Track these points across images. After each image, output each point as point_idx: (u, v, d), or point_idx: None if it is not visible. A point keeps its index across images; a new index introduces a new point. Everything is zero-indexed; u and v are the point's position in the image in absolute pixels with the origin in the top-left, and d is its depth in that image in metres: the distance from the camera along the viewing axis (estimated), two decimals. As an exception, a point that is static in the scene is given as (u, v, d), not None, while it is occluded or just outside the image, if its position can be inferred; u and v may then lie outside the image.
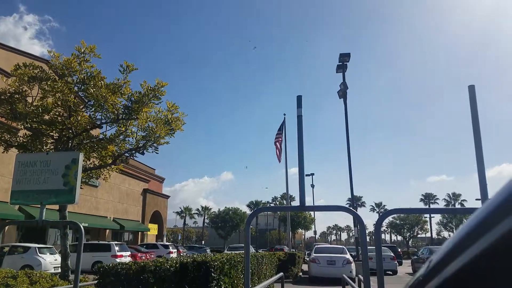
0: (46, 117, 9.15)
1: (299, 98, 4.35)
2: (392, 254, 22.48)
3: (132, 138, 10.37)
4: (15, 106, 8.76)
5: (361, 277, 6.95)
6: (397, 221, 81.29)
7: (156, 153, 10.66)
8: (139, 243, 35.37)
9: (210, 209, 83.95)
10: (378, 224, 3.62)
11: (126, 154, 10.81)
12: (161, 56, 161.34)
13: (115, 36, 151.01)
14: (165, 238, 45.64)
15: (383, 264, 4.67)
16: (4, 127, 9.49)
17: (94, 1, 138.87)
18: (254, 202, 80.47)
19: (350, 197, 17.74)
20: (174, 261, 6.14)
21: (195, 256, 7.00)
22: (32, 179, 6.20)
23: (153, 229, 42.53)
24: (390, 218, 78.14)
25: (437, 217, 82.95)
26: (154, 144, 10.34)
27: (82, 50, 8.84)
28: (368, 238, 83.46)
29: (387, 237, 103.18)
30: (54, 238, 27.12)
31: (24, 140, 9.68)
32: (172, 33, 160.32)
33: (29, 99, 9.13)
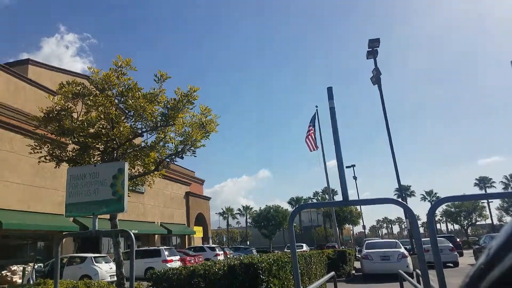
0: (91, 130, 9.58)
1: (329, 90, 4.21)
2: (450, 244, 21.27)
3: (171, 143, 10.64)
4: (62, 123, 9.23)
5: (419, 272, 6.67)
6: (452, 209, 77.10)
7: (194, 156, 10.89)
8: (186, 247, 36.19)
9: (251, 208, 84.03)
10: (430, 214, 3.41)
11: (167, 160, 11.09)
12: (191, 61, 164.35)
13: (148, 46, 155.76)
14: (210, 240, 46.37)
15: (442, 256, 4.40)
16: (55, 143, 10.03)
17: (125, 17, 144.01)
18: (295, 199, 79.68)
19: (397, 187, 17.11)
20: (222, 264, 6.20)
21: (241, 257, 7.04)
22: (83, 191, 6.50)
23: (198, 231, 43.37)
24: (444, 206, 74.45)
25: (496, 202, 77.39)
26: (192, 148, 10.56)
27: (119, 64, 9.19)
28: (422, 229, 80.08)
29: (443, 226, 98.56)
30: (107, 246, 28.40)
31: (73, 154, 10.19)
32: (198, 41, 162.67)
33: (75, 115, 9.59)
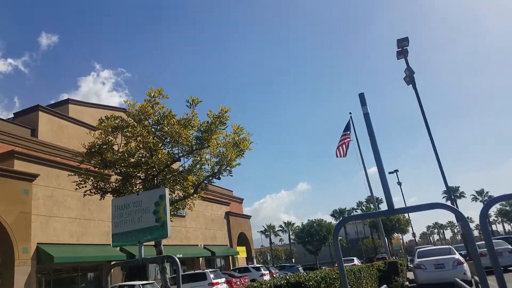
0: (132, 160, 9.96)
1: (361, 96, 4.16)
2: (509, 246, 19.83)
3: (208, 165, 10.85)
4: (104, 156, 9.68)
5: (477, 279, 6.25)
6: (508, 208, 72.20)
7: (231, 175, 11.02)
8: (231, 268, 36.01)
9: (293, 223, 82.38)
10: (483, 215, 3.18)
11: (205, 181, 11.28)
12: (222, 81, 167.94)
13: (179, 72, 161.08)
14: (255, 260, 45.84)
15: (501, 260, 4.09)
16: (98, 176, 10.48)
17: (156, 50, 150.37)
18: (337, 211, 77.64)
19: (445, 189, 16.31)
20: (268, 285, 6.10)
21: (288, 276, 6.91)
22: (128, 220, 6.68)
23: (241, 251, 43.10)
24: (498, 206, 69.96)
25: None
26: (228, 168, 10.70)
27: (152, 95, 9.59)
28: (476, 232, 75.16)
29: (499, 227, 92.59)
30: (154, 273, 28.87)
31: (116, 185, 10.60)
32: (228, 62, 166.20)
33: (115, 147, 10.02)
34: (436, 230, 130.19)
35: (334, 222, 76.17)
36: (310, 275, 6.83)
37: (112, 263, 20.52)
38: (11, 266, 17.45)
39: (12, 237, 17.54)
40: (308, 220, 77.36)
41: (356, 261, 39.09)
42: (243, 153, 10.65)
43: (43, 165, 20.80)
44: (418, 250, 18.69)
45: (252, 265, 33.57)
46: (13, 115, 26.31)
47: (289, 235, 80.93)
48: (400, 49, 17.98)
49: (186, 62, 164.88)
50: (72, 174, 11.05)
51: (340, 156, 24.42)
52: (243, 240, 45.31)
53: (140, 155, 10.06)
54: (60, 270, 22.04)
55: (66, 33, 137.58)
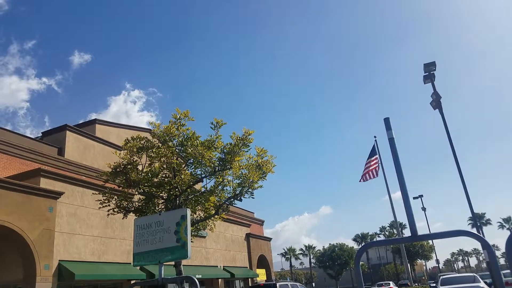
0: (155, 180, 10.13)
1: (387, 120, 4.13)
2: None
3: (230, 186, 10.88)
4: (129, 176, 9.89)
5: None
6: (535, 236, 69.07)
7: (252, 197, 11.00)
8: (251, 290, 35.44)
9: (314, 247, 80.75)
10: (509, 243, 3.08)
11: (226, 203, 11.29)
12: (247, 105, 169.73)
13: (207, 92, 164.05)
14: (274, 283, 44.96)
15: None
16: (122, 195, 10.67)
17: (185, 70, 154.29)
18: (360, 235, 75.84)
19: (471, 215, 15.75)
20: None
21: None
22: (149, 240, 6.72)
23: (261, 274, 42.44)
24: (524, 234, 67.06)
25: None
26: (250, 190, 10.70)
27: (178, 116, 9.80)
28: (502, 260, 71.86)
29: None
30: (174, 292, 28.71)
31: (139, 204, 10.75)
32: (253, 85, 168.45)
33: (139, 167, 10.22)
34: (460, 257, 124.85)
35: (356, 246, 74.31)
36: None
37: (132, 282, 20.52)
38: (32, 282, 17.70)
39: (35, 253, 17.87)
40: (330, 244, 75.95)
41: (392, 285, 37.73)
42: (265, 176, 10.67)
43: (68, 183, 21.32)
44: (441, 277, 17.97)
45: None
46: (41, 134, 27.26)
47: (309, 259, 79.22)
48: (427, 73, 17.85)
49: (215, 82, 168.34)
50: (97, 193, 11.29)
51: (365, 181, 23.91)
52: (263, 262, 44.67)
53: (164, 175, 10.22)
54: (81, 287, 22.23)
55: (99, 52, 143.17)
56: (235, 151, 9.96)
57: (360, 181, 24.40)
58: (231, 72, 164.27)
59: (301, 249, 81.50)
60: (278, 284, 17.23)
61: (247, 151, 10.36)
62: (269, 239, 49.01)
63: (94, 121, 29.56)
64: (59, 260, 19.29)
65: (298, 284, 20.64)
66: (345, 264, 70.20)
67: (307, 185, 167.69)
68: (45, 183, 19.86)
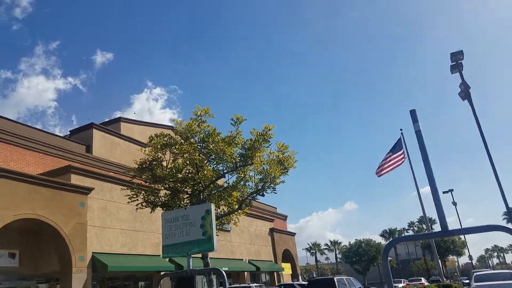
0: (179, 176, 10.49)
1: (413, 113, 4.03)
2: None
3: (251, 182, 11.10)
4: (154, 171, 10.30)
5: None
6: None
7: (275, 193, 11.20)
8: (276, 284, 35.79)
9: (340, 242, 80.00)
10: None
11: (249, 198, 11.53)
12: (265, 100, 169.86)
13: (225, 90, 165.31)
14: (300, 277, 45.17)
15: None
16: (149, 190, 11.13)
17: (206, 68, 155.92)
18: (387, 231, 74.85)
19: (505, 210, 15.31)
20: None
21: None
22: (177, 233, 7.08)
23: (286, 268, 42.68)
24: None
25: None
26: (272, 185, 10.89)
27: (199, 113, 10.11)
28: (543, 255, 68.64)
29: None
30: (201, 284, 29.38)
31: (165, 199, 11.18)
32: (269, 83, 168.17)
33: (164, 163, 10.62)
34: (495, 254, 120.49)
35: (383, 242, 73.41)
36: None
37: (162, 273, 21.24)
38: (69, 273, 18.66)
39: (70, 246, 18.80)
40: (356, 239, 75.31)
41: (424, 281, 37.36)
42: (287, 171, 10.82)
43: (97, 179, 22.17)
44: (475, 274, 17.52)
45: (298, 282, 33.14)
46: (69, 132, 28.34)
47: (335, 254, 78.73)
48: (454, 63, 17.28)
49: (235, 80, 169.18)
50: (125, 188, 11.80)
51: (382, 175, 23.08)
52: (288, 257, 44.89)
53: (187, 171, 10.56)
54: (114, 278, 23.21)
55: (120, 51, 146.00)
56: (256, 146, 10.16)
57: (378, 175, 23.70)
58: (250, 70, 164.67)
59: (326, 244, 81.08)
60: (335, 279, 17.94)
61: (267, 147, 10.54)
62: (293, 234, 49.17)
63: (119, 119, 30.47)
64: (92, 252, 20.20)
65: (351, 278, 20.97)
66: (373, 260, 69.54)
67: (331, 180, 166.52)
68: (75, 179, 20.75)
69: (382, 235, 75.99)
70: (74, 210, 19.54)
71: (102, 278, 21.68)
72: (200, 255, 10.22)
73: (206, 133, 10.11)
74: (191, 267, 6.47)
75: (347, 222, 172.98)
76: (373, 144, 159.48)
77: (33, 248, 19.87)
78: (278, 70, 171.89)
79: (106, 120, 31.27)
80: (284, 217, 52.23)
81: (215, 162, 10.55)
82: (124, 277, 23.92)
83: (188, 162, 10.36)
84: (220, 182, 12.46)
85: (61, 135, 27.11)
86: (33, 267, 19.64)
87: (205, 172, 10.24)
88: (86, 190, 20.54)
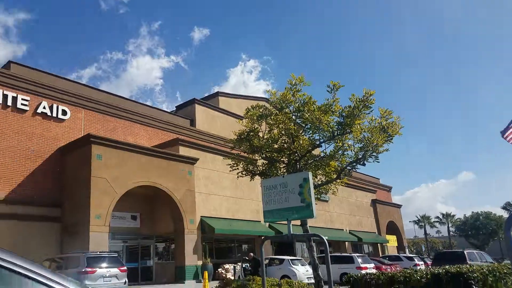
0: (275, 146, 10.61)
1: None
2: None
3: (351, 151, 10.68)
4: (252, 142, 10.58)
5: None
6: None
7: (377, 162, 10.60)
8: (380, 256, 35.01)
9: (453, 215, 74.02)
10: None
11: (348, 167, 11.16)
12: (366, 64, 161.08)
13: (319, 57, 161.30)
14: (407, 250, 43.49)
15: None
16: (248, 160, 11.54)
17: (298, 37, 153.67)
18: (511, 203, 67.09)
19: None
20: (424, 272, 5.83)
21: (447, 267, 6.40)
22: (276, 199, 7.24)
23: (392, 240, 41.30)
24: None
25: None
26: (374, 154, 10.30)
27: (293, 82, 9.94)
28: None
29: None
30: (300, 251, 30.21)
31: (262, 168, 11.47)
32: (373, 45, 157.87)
33: (260, 134, 10.83)
34: None
35: (505, 215, 66.07)
36: (475, 267, 6.22)
37: (263, 237, 22.36)
38: (181, 234, 20.81)
39: (181, 210, 20.84)
40: (473, 212, 69.09)
41: None
42: (391, 139, 10.11)
43: (201, 150, 23.87)
44: None
45: (404, 255, 31.93)
46: (175, 108, 30.73)
47: (448, 227, 73.01)
48: None
49: (328, 46, 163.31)
50: (226, 158, 12.41)
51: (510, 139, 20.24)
52: (393, 229, 43.34)
53: (283, 141, 10.61)
54: (220, 240, 25.32)
55: (215, 26, 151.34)
56: (355, 114, 9.66)
57: (506, 138, 20.82)
58: (344, 34, 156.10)
59: (437, 217, 75.49)
60: (465, 252, 18.50)
61: (368, 113, 9.94)
62: (398, 206, 47.10)
63: (217, 94, 32.03)
64: (200, 216, 22.16)
65: (482, 252, 20.64)
66: (492, 234, 63.34)
67: (442, 148, 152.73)
68: (182, 151, 22.65)
69: (504, 208, 68.31)
70: (183, 178, 21.46)
71: (210, 239, 23.74)
72: (299, 223, 10.32)
73: (301, 102, 9.93)
74: (291, 232, 6.55)
75: (462, 194, 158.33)
76: (487, 107, 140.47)
77: (151, 212, 22.51)
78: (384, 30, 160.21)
79: (206, 95, 33.14)
80: (388, 189, 50.27)
81: (311, 132, 10.36)
82: (228, 240, 25.88)
83: (283, 132, 10.37)
84: (317, 151, 12.29)
85: (168, 111, 29.59)
86: (152, 228, 22.32)
87: (301, 141, 10.15)
88: (193, 160, 22.34)
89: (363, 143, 10.21)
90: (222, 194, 24.18)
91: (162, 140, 24.41)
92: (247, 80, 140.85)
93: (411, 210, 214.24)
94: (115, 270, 13.57)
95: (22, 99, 19.00)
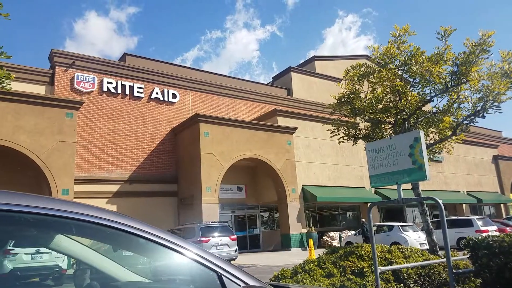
0: (380, 106, 9.91)
1: None
2: None
3: (467, 103, 9.50)
4: (353, 105, 10.05)
5: None
6: None
7: (499, 112, 9.30)
8: (504, 217, 31.54)
9: None
10: None
11: (465, 122, 9.97)
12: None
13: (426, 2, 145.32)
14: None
15: None
16: (349, 124, 11.06)
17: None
18: None
19: None
20: None
21: None
22: (383, 163, 6.80)
23: (519, 200, 36.79)
24: None
25: None
26: (495, 104, 9.06)
27: (397, 34, 9.03)
28: None
29: None
30: (411, 217, 28.67)
31: (366, 131, 10.89)
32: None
33: (362, 95, 10.21)
34: None
35: None
36: None
37: (369, 204, 21.73)
38: (284, 202, 21.38)
39: (283, 179, 21.29)
40: None
41: None
42: (516, 84, 8.71)
43: (300, 119, 23.75)
44: None
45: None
46: (272, 79, 30.87)
47: None
48: None
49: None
50: (326, 124, 12.09)
51: None
52: (521, 187, 38.38)
53: (388, 100, 9.85)
54: (323, 208, 25.30)
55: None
56: (471, 60, 8.45)
57: None
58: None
59: None
60: None
61: (487, 58, 8.63)
62: (525, 160, 41.37)
63: (313, 59, 31.13)
64: (302, 185, 22.36)
65: None
66: None
67: None
68: (281, 121, 22.84)
69: None
70: (283, 148, 21.76)
71: (313, 207, 23.89)
72: (409, 186, 9.69)
73: (408, 54, 9.00)
74: (402, 196, 6.12)
75: None
76: None
77: (255, 183, 23.46)
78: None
79: (302, 61, 32.54)
80: (512, 142, 44.43)
81: (420, 86, 9.40)
82: (332, 207, 25.72)
83: (388, 90, 9.60)
84: (428, 107, 11.20)
85: (265, 82, 29.92)
86: (256, 198, 23.33)
87: (409, 98, 9.29)
88: (291, 130, 22.43)
89: (481, 92, 9.03)
90: (323, 162, 23.93)
91: (261, 112, 24.94)
92: (346, 38, 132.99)
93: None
94: (226, 239, 14.60)
95: (138, 87, 21.13)
